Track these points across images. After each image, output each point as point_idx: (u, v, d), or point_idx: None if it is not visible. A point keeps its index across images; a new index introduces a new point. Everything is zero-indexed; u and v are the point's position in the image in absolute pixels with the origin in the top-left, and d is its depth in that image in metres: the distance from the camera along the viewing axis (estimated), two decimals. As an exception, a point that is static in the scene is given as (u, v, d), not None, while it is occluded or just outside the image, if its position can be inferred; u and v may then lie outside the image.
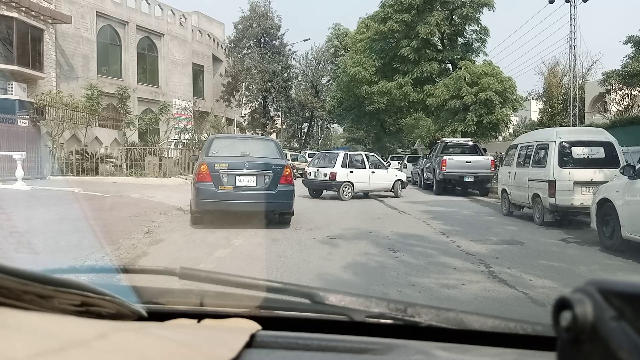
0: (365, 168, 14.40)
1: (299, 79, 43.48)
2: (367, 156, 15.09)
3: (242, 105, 38.86)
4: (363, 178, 14.25)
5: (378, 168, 14.85)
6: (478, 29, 24.24)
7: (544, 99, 32.09)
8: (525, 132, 18.89)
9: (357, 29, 30.70)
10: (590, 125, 18.79)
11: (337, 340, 0.75)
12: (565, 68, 29.93)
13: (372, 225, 8.66)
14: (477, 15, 23.39)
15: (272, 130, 39.84)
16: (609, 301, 0.43)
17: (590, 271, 5.44)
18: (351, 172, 14.00)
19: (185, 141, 22.16)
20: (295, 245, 6.58)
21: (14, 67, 18.89)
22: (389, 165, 16.63)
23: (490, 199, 14.57)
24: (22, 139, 16.35)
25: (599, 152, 8.78)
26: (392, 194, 15.07)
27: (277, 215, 8.27)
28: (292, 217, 8.34)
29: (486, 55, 24.74)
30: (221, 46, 36.17)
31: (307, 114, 44.07)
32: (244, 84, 35.87)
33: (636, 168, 6.32)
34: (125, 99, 22.42)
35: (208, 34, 33.69)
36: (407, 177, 24.39)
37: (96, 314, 0.73)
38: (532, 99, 34.92)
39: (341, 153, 14.65)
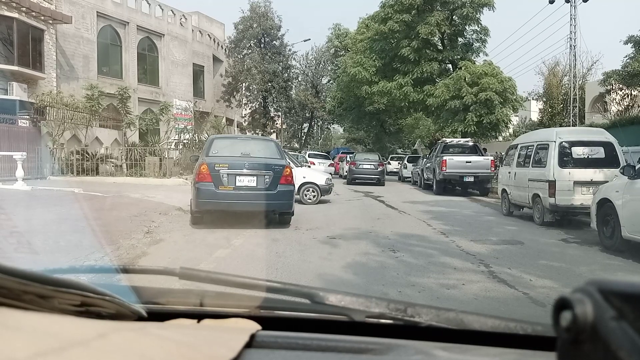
0: None
1: (299, 79, 43.50)
2: None
3: (243, 105, 38.87)
4: None
5: None
6: (478, 29, 24.19)
7: (544, 99, 32.09)
8: (525, 132, 18.88)
9: (358, 29, 30.66)
10: (590, 126, 18.80)
11: (337, 340, 0.75)
12: (565, 68, 29.94)
13: (372, 225, 8.66)
14: (477, 16, 23.32)
15: (272, 131, 39.84)
16: (609, 301, 0.43)
17: (590, 271, 5.44)
18: None
19: (185, 141, 22.13)
20: (295, 245, 6.58)
21: (15, 68, 18.88)
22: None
23: (490, 199, 14.57)
24: (23, 139, 16.31)
25: (599, 152, 8.78)
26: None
27: (277, 215, 8.27)
28: (292, 217, 8.35)
29: (486, 55, 24.69)
30: (221, 46, 36.16)
31: (307, 114, 44.08)
32: (244, 84, 35.87)
33: (636, 168, 6.32)
34: (126, 99, 22.42)
35: (208, 34, 33.68)
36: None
37: (96, 314, 0.73)
38: (532, 99, 34.91)
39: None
